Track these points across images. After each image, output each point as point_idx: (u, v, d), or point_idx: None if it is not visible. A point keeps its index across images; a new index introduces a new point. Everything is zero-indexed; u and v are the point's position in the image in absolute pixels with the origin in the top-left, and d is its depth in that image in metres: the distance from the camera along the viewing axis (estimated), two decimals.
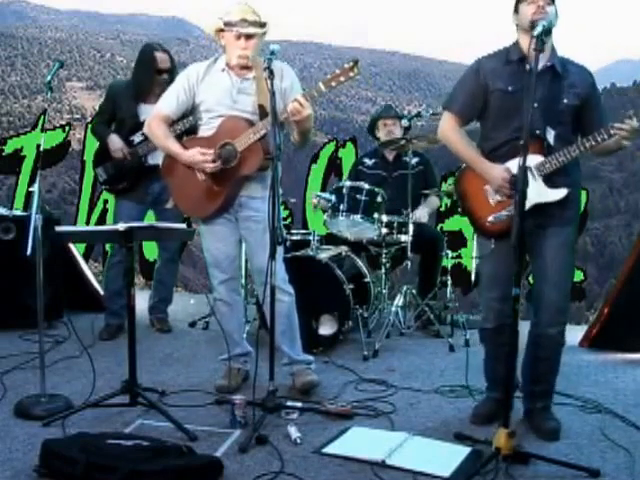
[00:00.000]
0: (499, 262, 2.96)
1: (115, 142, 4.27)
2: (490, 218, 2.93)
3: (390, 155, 4.93)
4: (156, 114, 3.42)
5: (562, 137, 2.83)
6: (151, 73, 4.24)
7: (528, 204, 2.77)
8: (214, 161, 3.26)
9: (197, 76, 3.35)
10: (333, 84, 3.15)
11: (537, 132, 2.82)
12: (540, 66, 2.78)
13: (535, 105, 2.76)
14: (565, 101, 2.83)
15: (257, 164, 3.26)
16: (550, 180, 2.84)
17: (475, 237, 3.25)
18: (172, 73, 4.20)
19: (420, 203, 4.77)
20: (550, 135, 2.84)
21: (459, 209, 3.69)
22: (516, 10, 2.88)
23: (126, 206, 4.36)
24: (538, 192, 2.82)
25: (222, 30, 3.26)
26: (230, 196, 3.35)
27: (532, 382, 3.05)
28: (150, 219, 4.50)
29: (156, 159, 3.98)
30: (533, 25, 2.71)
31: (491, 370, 3.16)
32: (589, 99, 2.87)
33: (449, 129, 3.02)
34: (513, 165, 2.76)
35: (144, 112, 4.16)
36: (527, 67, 2.82)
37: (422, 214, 4.68)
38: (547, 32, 2.66)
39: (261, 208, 3.26)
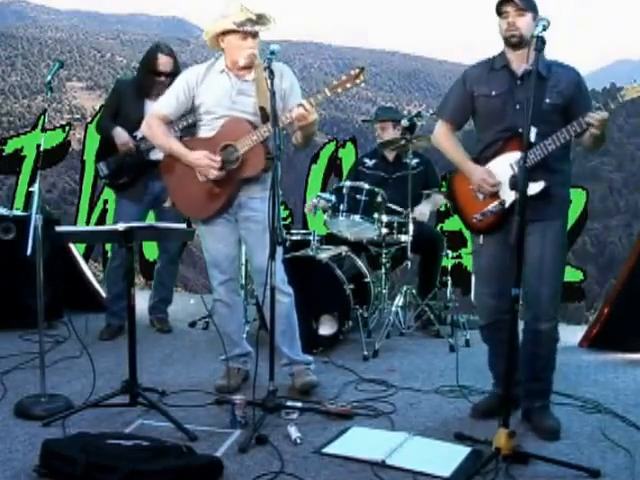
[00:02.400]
0: (490, 258, 3.05)
1: (122, 135, 4.28)
2: (477, 216, 3.01)
3: (390, 155, 4.92)
4: (154, 114, 3.42)
5: (544, 135, 2.85)
6: (150, 73, 4.25)
7: (509, 200, 2.91)
8: (221, 169, 3.26)
9: (197, 78, 3.35)
10: (339, 90, 3.18)
11: (519, 130, 2.87)
12: (522, 70, 2.92)
13: (517, 107, 2.92)
14: (548, 101, 2.90)
15: (260, 166, 3.26)
16: (530, 175, 2.83)
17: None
18: (174, 77, 4.20)
19: (420, 204, 4.76)
20: (532, 133, 2.86)
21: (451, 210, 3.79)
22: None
23: (126, 205, 4.37)
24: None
25: (224, 33, 3.24)
26: (231, 197, 3.34)
27: (529, 380, 3.05)
28: (151, 219, 4.51)
29: (157, 154, 3.97)
30: (507, 41, 2.91)
31: (496, 366, 3.18)
32: (575, 98, 2.93)
33: (440, 135, 3.20)
34: (494, 165, 2.98)
35: (150, 108, 4.17)
36: (511, 73, 2.95)
37: (424, 210, 4.66)
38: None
39: (260, 208, 3.26)
